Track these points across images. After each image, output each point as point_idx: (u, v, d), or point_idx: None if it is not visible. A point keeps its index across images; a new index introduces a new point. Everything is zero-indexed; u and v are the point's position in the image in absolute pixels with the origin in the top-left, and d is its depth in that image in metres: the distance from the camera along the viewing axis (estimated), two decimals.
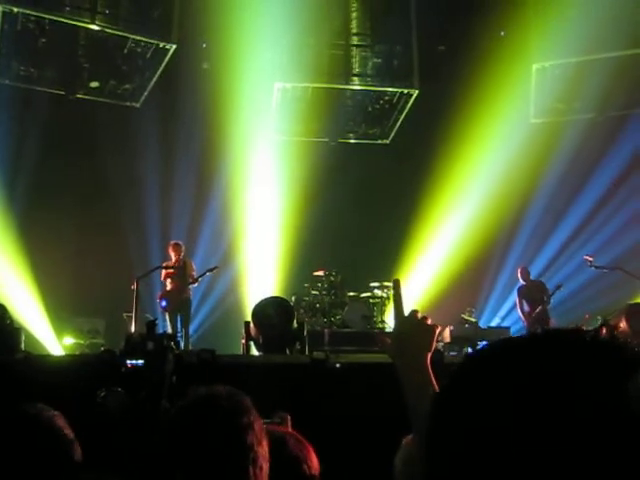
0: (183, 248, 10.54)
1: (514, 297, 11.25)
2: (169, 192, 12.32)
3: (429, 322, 1.71)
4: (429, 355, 1.66)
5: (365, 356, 7.32)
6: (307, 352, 7.91)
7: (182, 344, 9.96)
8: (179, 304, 10.38)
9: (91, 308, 11.22)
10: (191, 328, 10.92)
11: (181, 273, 10.40)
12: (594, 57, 11.33)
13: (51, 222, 11.23)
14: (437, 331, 1.71)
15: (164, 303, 10.33)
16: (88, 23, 11.01)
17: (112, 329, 10.81)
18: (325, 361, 6.18)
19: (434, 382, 1.59)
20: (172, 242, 10.57)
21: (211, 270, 10.28)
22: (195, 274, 10.39)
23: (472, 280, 12.61)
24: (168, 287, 10.41)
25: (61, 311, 11.14)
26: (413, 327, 1.71)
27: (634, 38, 11.07)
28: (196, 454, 1.77)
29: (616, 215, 12.12)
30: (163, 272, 10.44)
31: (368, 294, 11.52)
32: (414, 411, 1.58)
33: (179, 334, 10.02)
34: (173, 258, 10.43)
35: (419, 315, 1.73)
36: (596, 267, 10.19)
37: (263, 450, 1.80)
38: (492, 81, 12.36)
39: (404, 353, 1.66)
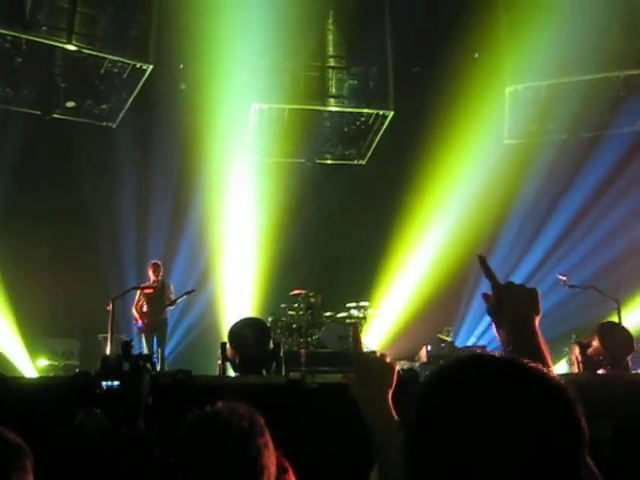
0: (162, 269, 10.49)
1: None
2: (145, 213, 12.26)
3: (388, 360, 1.79)
4: (390, 391, 1.73)
5: (341, 376, 7.32)
6: (283, 372, 7.90)
7: (158, 365, 9.90)
8: (155, 325, 10.32)
9: (65, 329, 11.09)
10: (167, 349, 10.84)
11: (159, 294, 10.34)
12: (566, 80, 11.53)
13: (24, 243, 11.12)
14: (396, 369, 1.79)
15: (140, 324, 10.26)
16: (65, 43, 10.99)
17: (87, 350, 10.71)
18: (301, 382, 6.17)
19: (394, 417, 1.67)
20: (152, 262, 10.50)
21: (188, 293, 10.24)
22: (173, 296, 10.34)
23: (448, 299, 12.66)
24: (145, 308, 10.34)
25: (35, 332, 11.00)
26: (372, 365, 1.78)
27: (604, 61, 11.29)
28: (210, 469, 1.84)
29: (589, 234, 12.28)
30: (138, 293, 10.35)
31: (345, 314, 11.53)
32: (375, 445, 1.67)
33: (155, 355, 9.95)
34: (152, 278, 10.37)
35: (377, 354, 1.82)
36: (570, 286, 10.28)
37: (273, 467, 1.90)
38: (466, 103, 12.54)
39: (364, 391, 1.73)
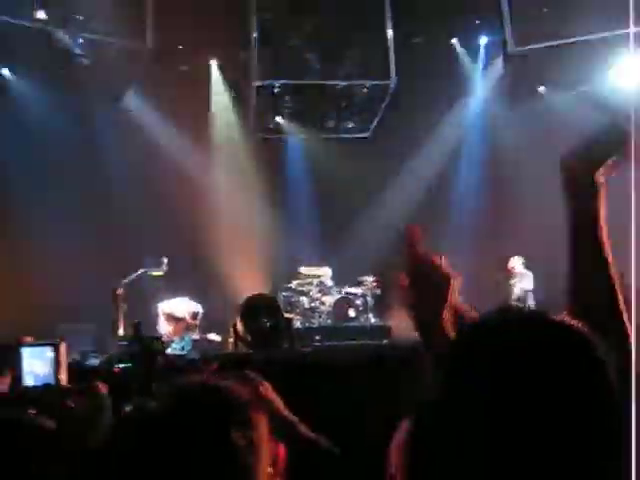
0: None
1: None
2: (152, 193, 12.22)
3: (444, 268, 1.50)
4: (445, 308, 1.46)
5: (353, 349, 7.35)
6: (294, 348, 7.94)
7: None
8: None
9: (78, 314, 11.13)
10: None
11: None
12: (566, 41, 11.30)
13: (36, 224, 11.13)
14: (452, 281, 1.49)
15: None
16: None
17: (101, 335, 10.74)
18: (313, 356, 6.19)
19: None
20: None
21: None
22: None
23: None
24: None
25: (47, 318, 11.03)
26: (428, 274, 1.48)
27: None
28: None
29: None
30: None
31: (355, 289, 11.58)
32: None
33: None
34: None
35: (433, 259, 1.50)
36: None
37: (263, 465, 1.47)
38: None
39: (418, 305, 1.48)
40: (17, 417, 1.57)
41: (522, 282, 11.33)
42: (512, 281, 11.43)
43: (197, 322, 10.46)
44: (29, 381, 1.89)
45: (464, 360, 0.99)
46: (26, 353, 1.86)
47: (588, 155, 1.42)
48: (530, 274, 11.38)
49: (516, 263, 11.41)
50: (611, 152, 1.41)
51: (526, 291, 11.24)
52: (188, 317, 10.36)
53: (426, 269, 1.48)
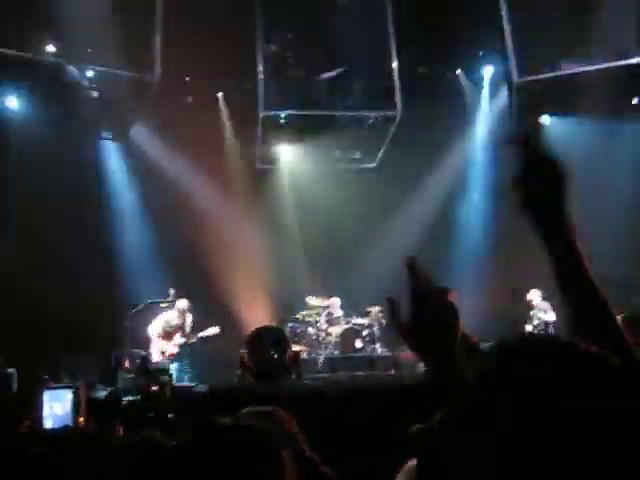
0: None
1: None
2: (156, 224, 12.24)
3: (450, 298, 1.45)
4: (455, 342, 1.42)
5: (360, 381, 7.31)
6: (302, 380, 7.91)
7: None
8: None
9: (82, 345, 11.07)
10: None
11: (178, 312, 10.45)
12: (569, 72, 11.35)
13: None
14: (458, 313, 1.44)
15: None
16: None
17: (104, 367, 10.68)
18: (320, 388, 6.16)
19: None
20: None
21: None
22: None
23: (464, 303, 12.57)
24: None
25: (51, 347, 10.97)
26: (431, 306, 1.43)
27: None
28: None
29: None
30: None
31: (362, 320, 11.54)
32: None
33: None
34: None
35: (438, 289, 1.44)
36: None
37: None
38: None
39: (426, 344, 1.44)
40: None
41: (543, 314, 11.17)
42: (532, 312, 11.29)
43: (189, 315, 10.48)
44: (48, 423, 1.91)
45: (486, 396, 0.88)
46: (47, 396, 1.89)
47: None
48: (549, 305, 11.22)
49: (534, 295, 11.29)
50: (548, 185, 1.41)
51: (548, 323, 11.10)
52: (179, 318, 10.39)
53: (432, 304, 1.44)
